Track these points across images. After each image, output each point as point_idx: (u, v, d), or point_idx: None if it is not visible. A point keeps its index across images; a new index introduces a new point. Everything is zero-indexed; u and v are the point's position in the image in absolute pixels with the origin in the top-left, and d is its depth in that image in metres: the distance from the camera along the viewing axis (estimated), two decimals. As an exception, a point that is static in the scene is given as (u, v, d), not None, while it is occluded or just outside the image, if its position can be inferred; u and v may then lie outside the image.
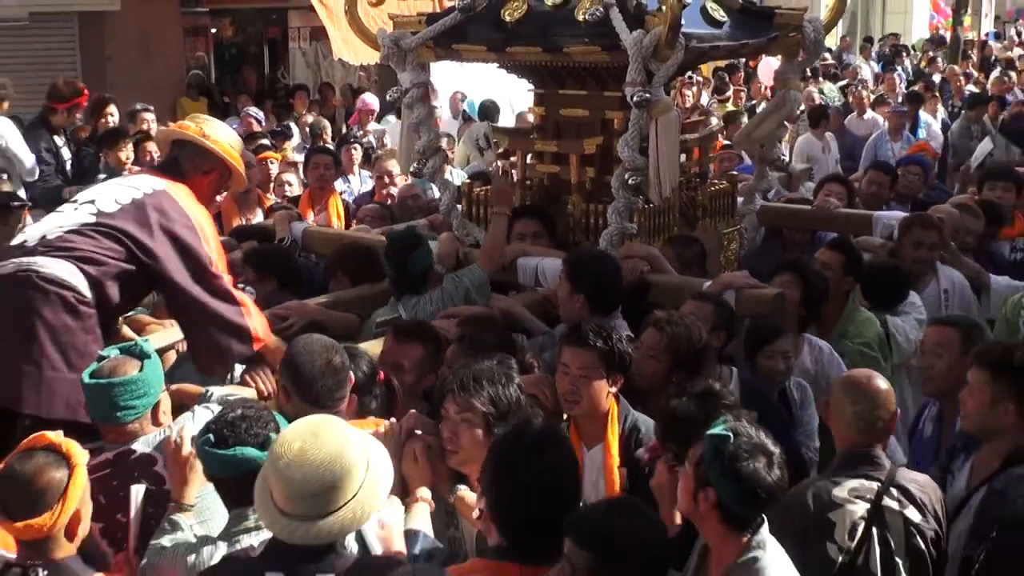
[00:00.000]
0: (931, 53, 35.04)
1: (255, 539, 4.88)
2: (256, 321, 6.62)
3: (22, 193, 12.34)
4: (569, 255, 7.78)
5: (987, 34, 44.11)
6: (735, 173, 10.14)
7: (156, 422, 5.45)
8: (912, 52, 36.94)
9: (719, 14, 8.57)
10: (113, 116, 15.39)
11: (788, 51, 9.19)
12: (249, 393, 6.20)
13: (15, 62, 17.48)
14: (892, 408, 5.91)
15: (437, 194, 10.05)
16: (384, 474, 4.64)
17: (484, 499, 4.84)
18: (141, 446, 5.37)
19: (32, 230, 6.45)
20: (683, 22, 7.79)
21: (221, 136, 6.88)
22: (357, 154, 14.93)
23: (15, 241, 6.41)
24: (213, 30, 22.91)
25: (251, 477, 4.73)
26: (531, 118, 10.22)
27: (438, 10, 8.92)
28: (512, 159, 9.48)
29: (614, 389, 6.18)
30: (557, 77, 8.84)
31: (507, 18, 8.41)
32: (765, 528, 4.74)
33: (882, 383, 5.96)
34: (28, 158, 13.16)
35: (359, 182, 14.33)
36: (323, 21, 19.42)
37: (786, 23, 8.95)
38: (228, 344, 6.47)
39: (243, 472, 4.83)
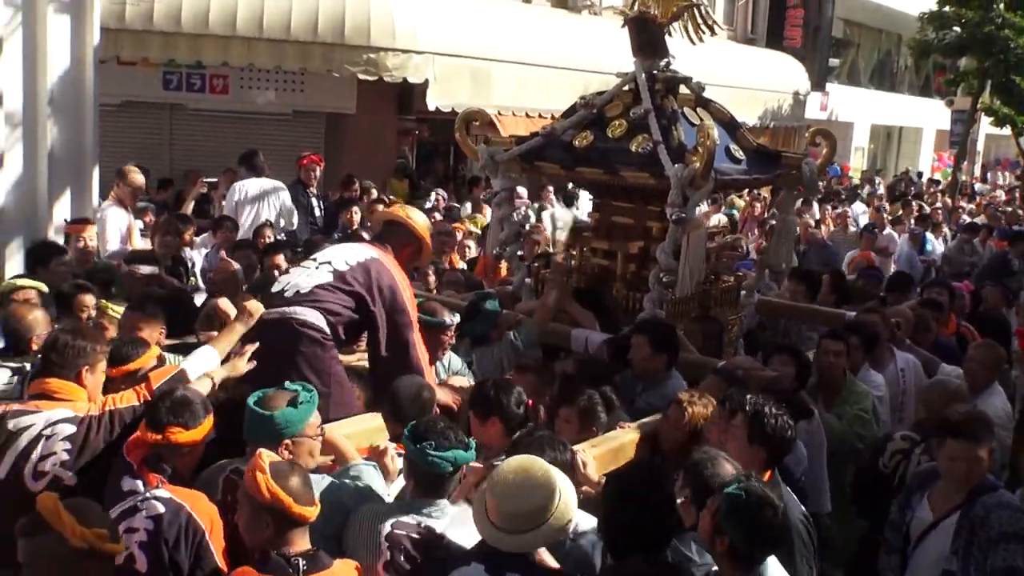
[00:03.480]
0: (933, 190, 33.85)
1: (424, 520, 4.69)
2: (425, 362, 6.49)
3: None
4: (649, 329, 7.23)
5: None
6: (741, 272, 9.57)
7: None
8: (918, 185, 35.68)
9: (739, 154, 8.25)
10: (356, 189, 15.74)
11: (789, 185, 8.74)
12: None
13: (277, 146, 17.34)
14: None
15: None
16: (570, 507, 4.37)
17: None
18: None
19: (289, 281, 6.30)
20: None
21: (419, 221, 6.76)
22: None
23: (275, 289, 6.34)
24: (416, 132, 22.63)
25: (442, 477, 4.72)
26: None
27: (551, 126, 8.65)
28: (573, 251, 8.91)
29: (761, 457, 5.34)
30: (612, 192, 8.49)
31: (577, 144, 8.20)
32: (771, 563, 4.41)
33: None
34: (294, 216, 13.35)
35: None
36: (500, 131, 18.98)
37: (789, 163, 8.55)
38: (405, 368, 6.21)
39: (440, 471, 4.73)
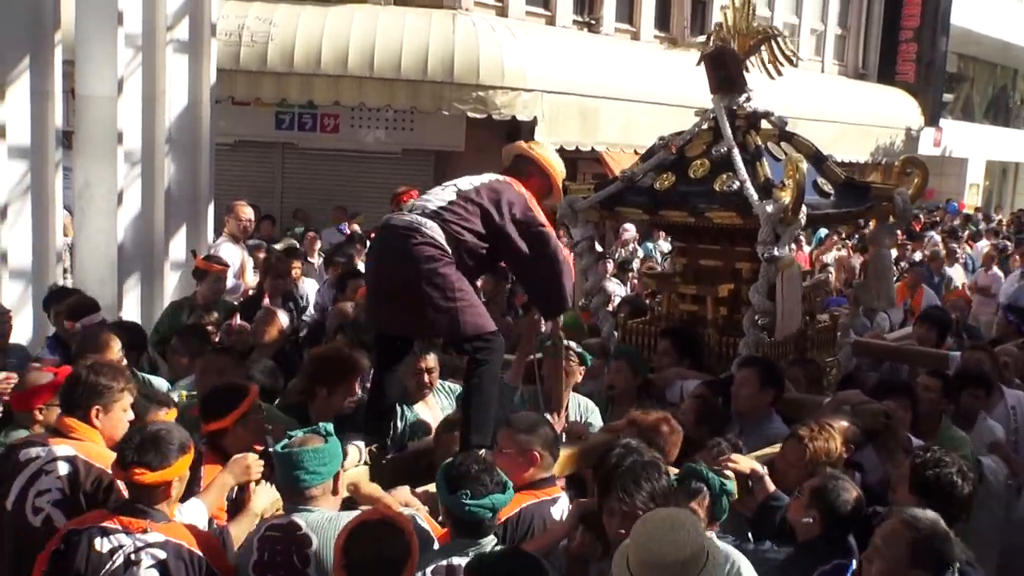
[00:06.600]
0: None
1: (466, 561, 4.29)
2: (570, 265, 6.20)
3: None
4: (757, 363, 6.90)
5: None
6: (836, 312, 9.01)
7: (335, 491, 4.62)
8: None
9: (827, 187, 7.90)
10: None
11: (881, 217, 8.35)
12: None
13: (387, 185, 17.55)
14: None
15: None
16: (720, 567, 4.01)
17: None
18: (306, 526, 4.44)
19: (414, 203, 5.87)
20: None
21: (547, 155, 6.25)
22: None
23: (413, 202, 5.94)
24: (524, 170, 22.40)
25: (482, 523, 4.44)
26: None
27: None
28: (659, 298, 8.60)
29: None
30: (697, 234, 8.08)
31: (658, 187, 7.78)
32: None
33: None
34: None
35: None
36: (607, 169, 19.10)
37: (880, 195, 8.15)
38: (559, 273, 5.87)
39: (480, 519, 4.43)
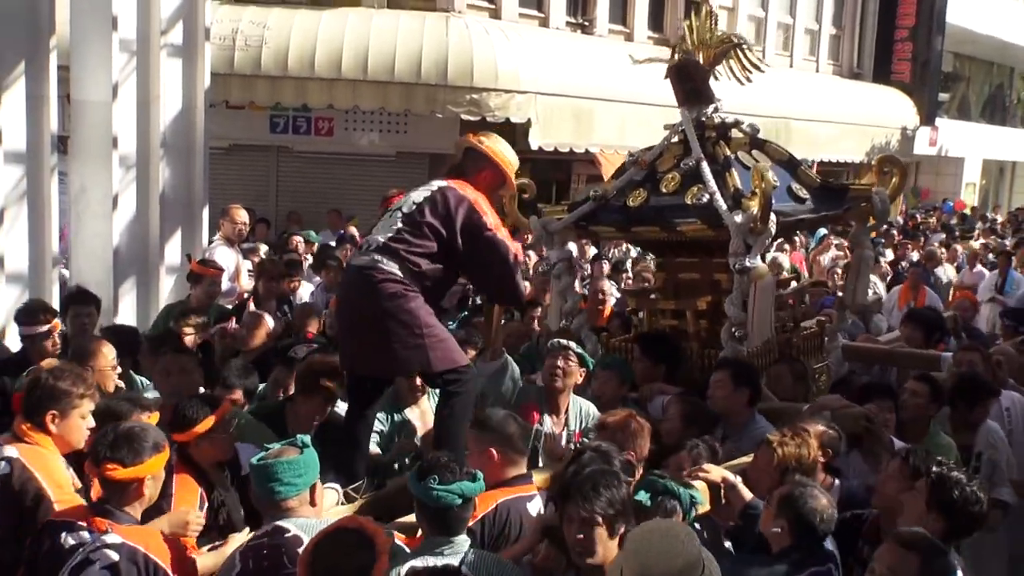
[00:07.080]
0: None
1: (439, 560, 4.29)
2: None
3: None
4: (730, 362, 6.89)
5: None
6: (823, 318, 8.77)
7: (312, 502, 4.54)
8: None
9: (802, 192, 7.77)
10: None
11: (860, 218, 8.19)
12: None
13: (381, 188, 17.58)
14: None
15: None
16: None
17: None
18: (295, 528, 4.36)
19: (374, 235, 6.04)
20: (772, 201, 7.04)
21: (497, 147, 6.34)
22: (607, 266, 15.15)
23: (368, 239, 6.13)
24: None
25: (451, 511, 4.48)
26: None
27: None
28: (640, 315, 8.55)
29: None
30: (674, 248, 8.04)
31: (631, 204, 7.70)
32: None
33: None
34: None
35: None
36: (601, 170, 19.38)
37: (857, 195, 8.02)
38: (511, 273, 6.11)
39: (448, 504, 4.47)
